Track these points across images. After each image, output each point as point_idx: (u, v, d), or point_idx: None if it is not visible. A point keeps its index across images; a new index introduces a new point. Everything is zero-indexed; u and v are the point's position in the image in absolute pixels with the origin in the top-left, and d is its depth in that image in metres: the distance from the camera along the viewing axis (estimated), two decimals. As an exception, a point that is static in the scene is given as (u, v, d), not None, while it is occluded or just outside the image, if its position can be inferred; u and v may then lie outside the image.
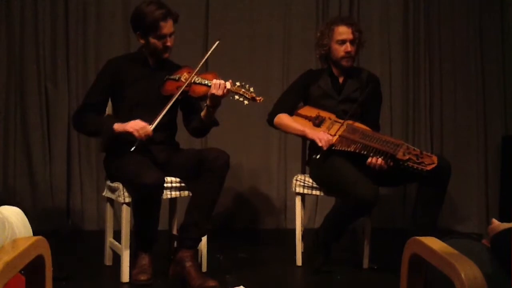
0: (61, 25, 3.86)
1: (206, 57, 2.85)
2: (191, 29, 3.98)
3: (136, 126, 2.63)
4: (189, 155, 2.81)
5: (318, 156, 2.86)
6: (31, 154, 3.82)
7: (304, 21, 4.15)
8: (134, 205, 2.67)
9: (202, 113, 2.76)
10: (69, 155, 3.88)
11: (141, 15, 2.72)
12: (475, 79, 4.21)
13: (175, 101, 2.75)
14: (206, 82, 2.69)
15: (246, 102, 2.63)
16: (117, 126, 2.67)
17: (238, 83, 2.66)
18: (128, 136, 2.64)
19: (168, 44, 2.76)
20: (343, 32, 3.02)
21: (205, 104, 2.73)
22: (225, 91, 2.61)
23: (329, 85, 3.10)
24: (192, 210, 2.67)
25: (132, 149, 2.62)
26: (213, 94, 2.62)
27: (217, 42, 2.80)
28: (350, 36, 3.01)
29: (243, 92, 2.63)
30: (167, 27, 2.73)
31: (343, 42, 3.01)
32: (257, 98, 2.63)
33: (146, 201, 2.61)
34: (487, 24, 4.21)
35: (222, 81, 2.63)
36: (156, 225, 2.73)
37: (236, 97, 2.64)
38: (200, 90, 2.71)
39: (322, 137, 2.86)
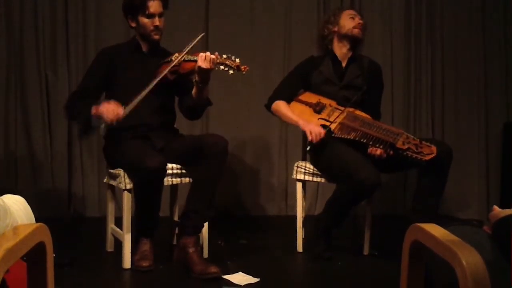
0: (60, 13, 3.84)
1: (199, 37, 2.80)
2: (190, 13, 3.98)
3: (106, 108, 2.61)
4: (188, 141, 2.81)
5: (308, 148, 2.92)
6: (32, 142, 3.83)
7: (306, 8, 4.13)
8: (135, 190, 2.67)
9: (193, 91, 2.76)
10: (70, 142, 3.89)
11: None
12: (476, 66, 4.20)
13: (168, 83, 2.76)
14: (195, 58, 2.69)
15: (231, 71, 2.60)
16: (94, 110, 2.65)
17: (224, 56, 2.64)
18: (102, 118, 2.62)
19: (157, 23, 2.81)
20: (352, 12, 3.13)
21: (194, 80, 2.72)
22: (211, 63, 2.60)
23: (331, 70, 3.09)
24: (193, 197, 2.67)
25: (101, 132, 2.66)
26: (199, 67, 2.61)
27: (201, 35, 2.82)
28: (359, 16, 3.11)
29: (229, 62, 2.61)
30: (154, 6, 2.80)
31: (353, 17, 3.09)
32: (242, 67, 2.59)
33: (148, 185, 2.61)
34: (490, 10, 4.18)
35: (208, 53, 2.62)
36: (157, 211, 2.73)
37: (222, 67, 2.61)
38: (189, 65, 2.72)
39: (313, 130, 2.86)
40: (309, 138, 2.87)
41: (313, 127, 2.88)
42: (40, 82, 3.81)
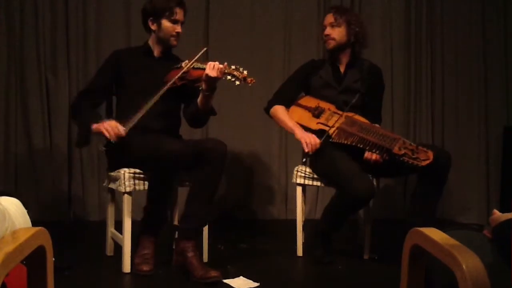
0: (61, 15, 3.85)
1: (203, 51, 2.86)
2: (190, 14, 3.98)
3: (108, 126, 2.66)
4: (187, 145, 2.80)
5: (304, 160, 2.96)
6: (32, 145, 3.83)
7: (306, 11, 4.14)
8: (151, 182, 2.65)
9: (199, 99, 2.78)
10: (70, 145, 3.88)
11: (158, 1, 2.86)
12: (477, 68, 4.20)
13: (175, 89, 2.78)
14: (204, 66, 2.72)
15: (237, 82, 2.65)
16: (95, 126, 2.70)
17: (233, 66, 2.67)
18: (103, 136, 2.68)
19: (179, 30, 2.88)
20: (325, 19, 3.13)
21: (200, 88, 2.74)
22: (219, 72, 2.63)
23: (330, 74, 3.10)
24: (192, 201, 2.67)
25: (103, 148, 2.72)
26: (207, 75, 2.64)
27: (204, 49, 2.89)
28: (329, 20, 3.08)
29: (237, 73, 2.65)
30: (180, 13, 2.88)
31: (324, 27, 3.10)
32: (248, 79, 2.64)
33: (167, 171, 2.59)
34: (490, 11, 4.19)
35: (217, 63, 2.65)
36: (167, 207, 2.75)
37: (229, 77, 2.66)
38: (197, 73, 2.76)
39: (309, 141, 2.87)
40: (305, 149, 2.88)
41: (308, 138, 2.89)
42: (40, 84, 3.82)
